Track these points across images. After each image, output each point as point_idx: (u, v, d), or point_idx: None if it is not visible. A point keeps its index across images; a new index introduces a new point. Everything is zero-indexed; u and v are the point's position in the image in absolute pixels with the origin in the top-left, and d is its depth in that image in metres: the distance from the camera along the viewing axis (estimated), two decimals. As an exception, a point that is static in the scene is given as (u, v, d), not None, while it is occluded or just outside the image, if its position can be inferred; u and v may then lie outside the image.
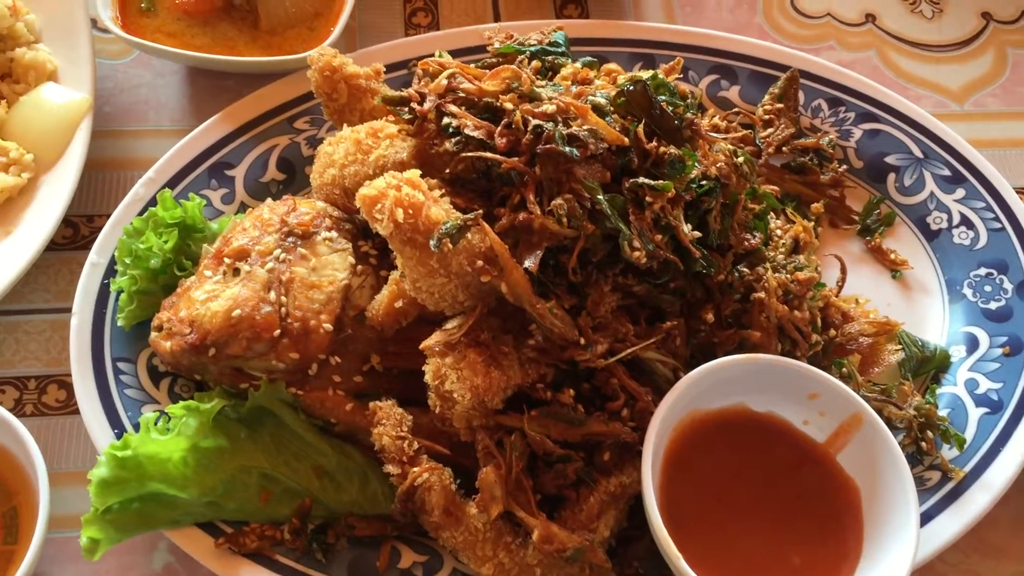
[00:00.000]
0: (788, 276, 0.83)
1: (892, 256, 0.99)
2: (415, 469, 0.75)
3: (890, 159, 1.02)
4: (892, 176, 1.01)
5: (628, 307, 0.82)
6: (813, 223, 0.99)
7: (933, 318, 0.96)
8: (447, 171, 0.78)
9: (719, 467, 0.81)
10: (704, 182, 0.82)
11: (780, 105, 1.03)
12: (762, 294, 0.82)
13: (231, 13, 1.03)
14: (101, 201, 0.98)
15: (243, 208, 0.95)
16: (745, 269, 0.84)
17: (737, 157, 0.84)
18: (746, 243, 0.85)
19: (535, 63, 0.88)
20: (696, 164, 0.81)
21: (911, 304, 0.97)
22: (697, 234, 0.79)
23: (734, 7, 1.17)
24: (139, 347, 0.86)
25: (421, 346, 0.77)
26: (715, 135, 0.86)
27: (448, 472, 0.77)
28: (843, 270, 0.97)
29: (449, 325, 0.78)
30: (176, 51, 1.00)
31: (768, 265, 0.84)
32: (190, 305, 0.80)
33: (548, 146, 0.75)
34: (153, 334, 0.82)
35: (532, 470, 0.78)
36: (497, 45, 0.90)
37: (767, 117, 1.02)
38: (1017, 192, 1.04)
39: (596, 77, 0.84)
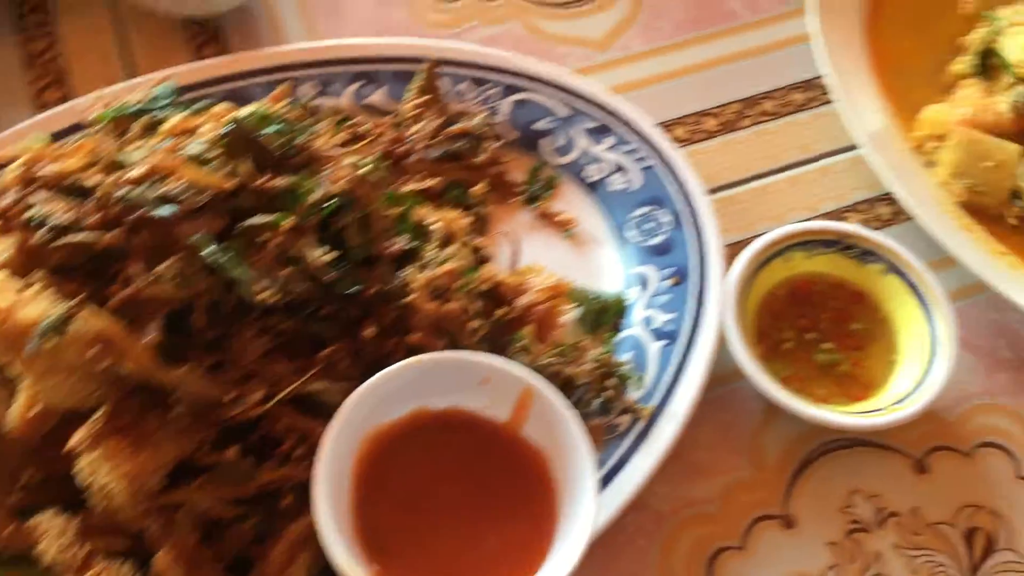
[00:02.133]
0: (432, 273, 0.84)
1: (559, 217, 1.03)
2: (88, 575, 0.74)
3: (540, 124, 1.04)
4: (546, 140, 1.04)
5: (285, 345, 0.83)
6: (479, 205, 1.03)
7: (609, 267, 1.00)
8: (51, 261, 0.75)
9: (411, 476, 0.82)
10: (330, 202, 0.83)
11: (425, 98, 1.05)
12: (413, 296, 0.84)
13: None
14: None
15: None
16: (398, 275, 0.86)
17: (361, 168, 0.85)
18: (393, 248, 0.87)
19: (137, 123, 0.87)
20: (315, 188, 0.82)
21: (586, 259, 1.00)
22: (328, 257, 0.80)
23: (376, 6, 1.17)
24: None
25: (67, 447, 0.75)
26: (340, 150, 0.87)
27: (128, 565, 0.75)
28: (514, 245, 1.00)
29: (94, 417, 0.76)
30: None
31: (416, 265, 0.86)
32: None
33: (138, 213, 0.73)
34: None
35: (212, 537, 0.77)
36: (96, 113, 0.88)
37: (413, 113, 1.04)
38: (671, 123, 1.11)
39: (201, 124, 0.83)
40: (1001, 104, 1.04)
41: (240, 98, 1.00)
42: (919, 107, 1.09)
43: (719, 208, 1.05)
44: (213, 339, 0.76)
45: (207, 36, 1.12)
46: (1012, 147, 1.01)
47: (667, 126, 1.11)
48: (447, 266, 0.84)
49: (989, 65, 1.07)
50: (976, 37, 1.09)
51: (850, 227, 0.98)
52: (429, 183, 1.00)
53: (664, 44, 1.17)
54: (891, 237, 1.00)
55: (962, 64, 1.10)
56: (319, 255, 0.78)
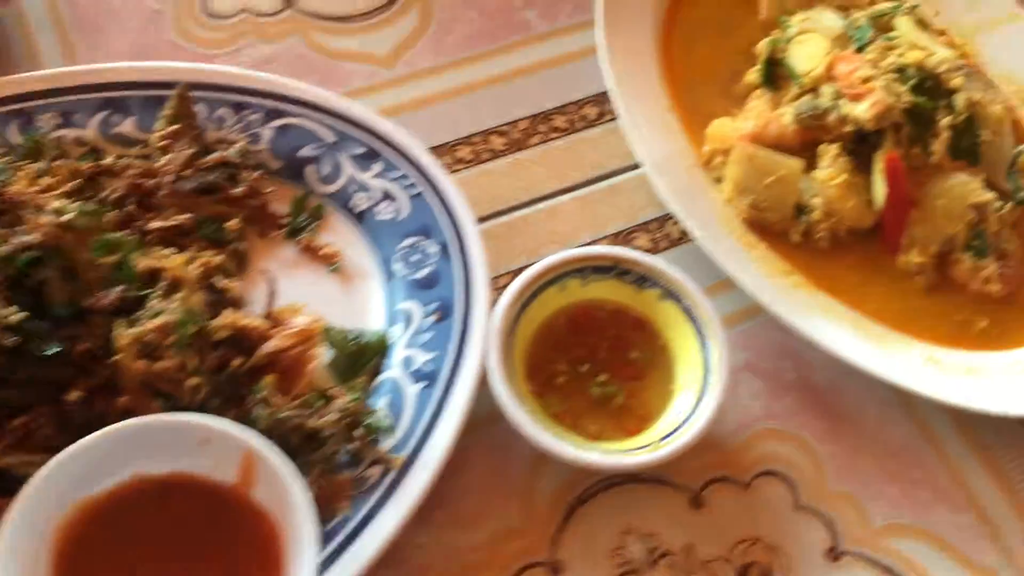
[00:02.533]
0: (140, 329, 0.78)
1: (323, 251, 0.96)
2: None
3: (305, 151, 0.98)
4: (311, 168, 0.98)
5: (-21, 414, 0.76)
6: (234, 242, 0.96)
7: (375, 304, 0.94)
8: None
9: (127, 549, 0.75)
10: (27, 254, 0.76)
11: (176, 127, 0.97)
12: (119, 355, 0.77)
13: None
14: None
15: None
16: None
17: (65, 215, 0.78)
18: (106, 301, 0.80)
19: None
20: (7, 240, 0.75)
21: (352, 295, 0.94)
22: (19, 316, 0.73)
23: (141, 27, 1.09)
24: None
25: None
26: (44, 195, 0.80)
27: None
28: (271, 284, 0.94)
29: None
30: None
31: (121, 321, 0.79)
32: None
33: None
34: None
35: None
36: None
37: (162, 143, 0.97)
38: (457, 144, 1.06)
39: None
40: (786, 116, 1.00)
41: (-29, 133, 0.93)
42: (711, 119, 1.05)
43: (503, 233, 1.01)
44: None
45: (-50, 63, 1.05)
46: (793, 162, 0.98)
47: (453, 146, 1.05)
48: (158, 320, 0.77)
49: (776, 75, 1.04)
50: (764, 45, 1.05)
51: (623, 251, 0.93)
52: (179, 219, 0.93)
53: (454, 59, 1.11)
54: (681, 257, 0.97)
55: (753, 75, 1.07)
56: (2, 316, 0.72)
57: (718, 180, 1.01)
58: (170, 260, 0.83)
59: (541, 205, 1.03)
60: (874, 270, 0.98)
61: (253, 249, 0.95)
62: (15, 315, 0.72)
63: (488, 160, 1.05)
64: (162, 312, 0.78)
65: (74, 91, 0.96)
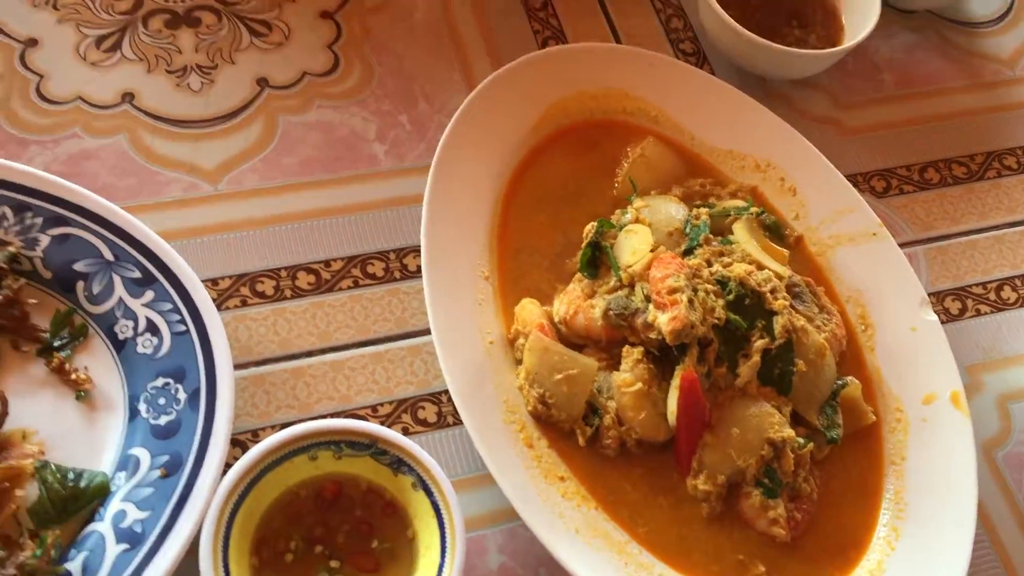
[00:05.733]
0: None
1: (76, 375, 0.90)
2: None
3: (80, 265, 0.92)
4: (82, 283, 0.92)
5: None
6: (-23, 352, 0.91)
7: (112, 441, 0.87)
8: None
9: None
10: None
11: (-55, 221, 0.93)
12: None
13: None
14: None
15: None
16: None
17: None
18: None
19: None
20: None
21: (93, 428, 0.88)
22: None
23: (-36, 101, 1.06)
24: None
25: None
26: None
27: None
28: (2, 404, 0.87)
29: None
30: None
31: None
32: None
33: None
34: None
35: None
36: None
37: (-77, 238, 0.92)
38: (263, 274, 1.00)
39: None
40: (596, 308, 0.94)
41: None
42: (531, 294, 0.99)
43: (281, 381, 0.94)
44: None
45: None
46: (586, 361, 0.91)
47: (256, 277, 0.99)
48: None
49: (599, 261, 0.99)
50: (589, 228, 1.00)
51: (381, 430, 0.86)
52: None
53: (284, 183, 1.05)
54: (461, 439, 0.91)
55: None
56: None
57: (519, 362, 0.96)
58: None
59: (331, 356, 0.97)
60: (658, 489, 0.91)
61: (8, 359, 0.90)
62: None
63: (290, 298, 0.99)
64: None
65: None
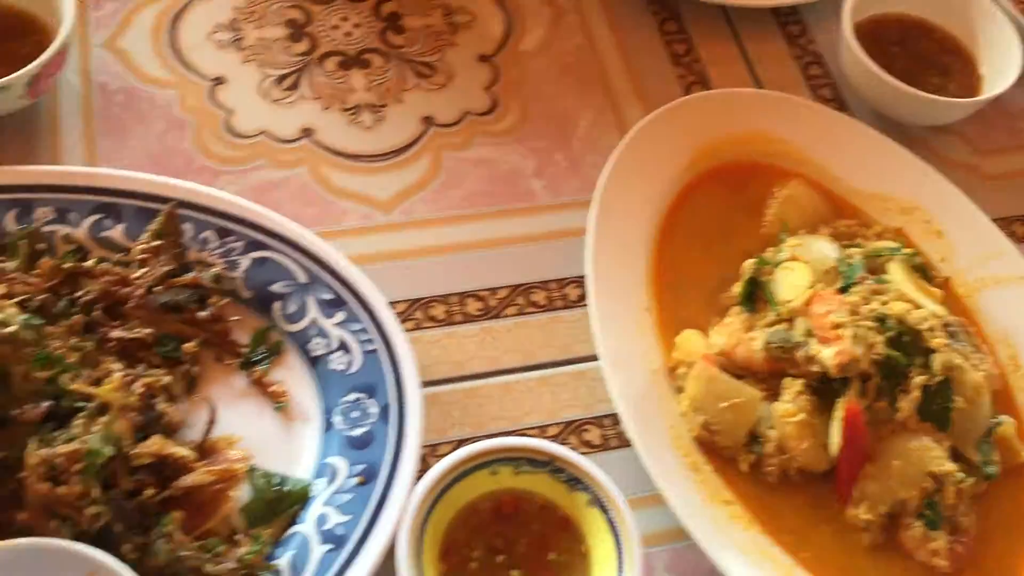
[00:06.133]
0: (50, 451, 0.79)
1: (273, 388, 0.97)
2: None
3: (276, 286, 1.00)
4: (278, 304, 0.99)
5: None
6: (188, 363, 0.98)
7: (309, 450, 0.94)
8: None
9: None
10: (-39, 363, 0.78)
11: (159, 242, 1.00)
12: (25, 474, 0.78)
13: None
14: None
15: None
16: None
17: (7, 327, 0.81)
18: (30, 414, 0.82)
19: None
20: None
21: (290, 437, 0.95)
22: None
23: (163, 133, 1.13)
24: None
25: None
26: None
27: None
28: (212, 413, 0.94)
29: None
30: None
31: (35, 440, 0.80)
32: None
33: None
34: None
35: None
36: None
37: (143, 256, 1.00)
38: (433, 300, 1.06)
39: None
40: (757, 341, 0.98)
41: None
42: (689, 326, 1.04)
43: (455, 400, 1.00)
44: None
45: (-17, 138, 1.11)
46: (750, 391, 0.95)
47: (427, 303, 1.06)
48: (69, 446, 0.78)
49: (757, 296, 1.03)
50: (748, 264, 1.04)
51: (560, 450, 0.91)
52: (141, 332, 0.96)
53: (451, 214, 1.12)
54: (625, 461, 0.95)
55: (738, 289, 1.06)
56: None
57: (680, 390, 1.01)
58: (107, 383, 0.85)
59: (501, 379, 1.03)
60: (820, 517, 0.94)
61: (206, 373, 0.97)
62: (-58, 417, 0.75)
63: (460, 323, 1.06)
64: (76, 437, 0.79)
65: (73, 190, 1.00)
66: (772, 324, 0.99)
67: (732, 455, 0.96)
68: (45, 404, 0.80)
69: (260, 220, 1.01)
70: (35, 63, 1.04)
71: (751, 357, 0.98)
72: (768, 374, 0.98)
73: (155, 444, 0.86)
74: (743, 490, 0.95)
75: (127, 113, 1.14)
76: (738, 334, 1.00)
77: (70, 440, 0.79)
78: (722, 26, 1.32)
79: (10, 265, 0.92)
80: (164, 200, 1.01)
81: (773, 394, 0.97)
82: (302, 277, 1.00)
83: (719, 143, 1.17)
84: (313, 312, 0.99)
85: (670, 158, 1.15)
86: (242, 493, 0.88)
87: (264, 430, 0.94)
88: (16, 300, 0.85)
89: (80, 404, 0.84)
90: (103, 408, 0.83)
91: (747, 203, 1.15)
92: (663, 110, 1.15)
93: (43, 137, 1.11)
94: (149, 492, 0.83)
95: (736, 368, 0.99)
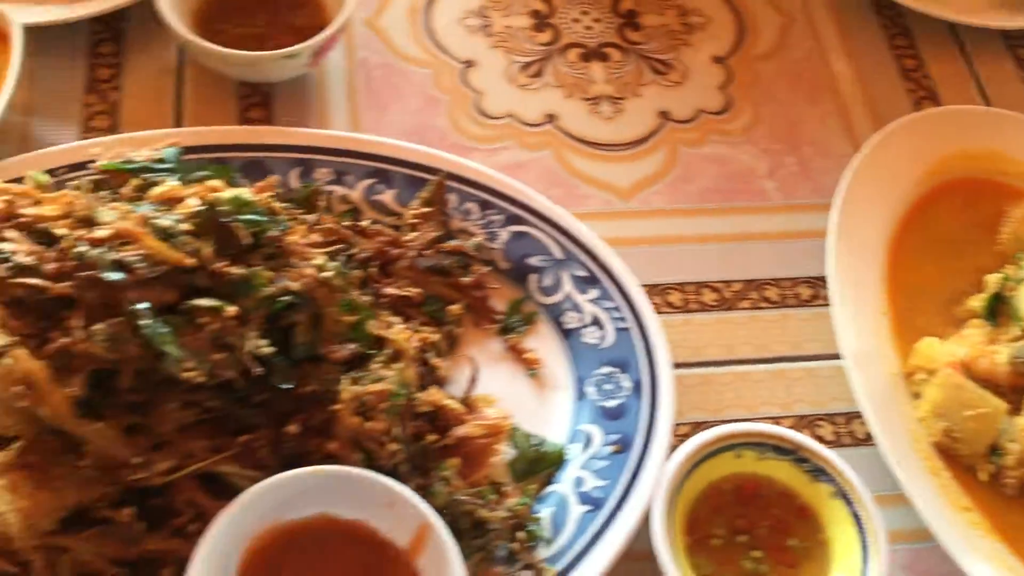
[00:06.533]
0: (362, 388, 0.85)
1: (527, 355, 1.02)
2: (-28, 591, 0.76)
3: (533, 260, 1.05)
4: (534, 276, 1.05)
5: (210, 421, 0.85)
6: (452, 324, 1.04)
7: (561, 416, 0.99)
8: (7, 295, 0.80)
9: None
10: (286, 297, 0.85)
11: (428, 209, 1.07)
12: (338, 406, 0.85)
13: None
14: None
15: None
16: (337, 379, 0.87)
17: (326, 271, 0.87)
18: (339, 354, 0.88)
19: (135, 180, 0.92)
20: (271, 282, 0.84)
21: (543, 402, 1.00)
22: (267, 350, 0.82)
23: (420, 108, 1.20)
24: None
25: (-23, 470, 0.78)
26: (310, 250, 0.90)
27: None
28: (474, 371, 1.01)
29: (6, 448, 0.79)
30: None
31: (348, 377, 0.87)
32: None
33: (88, 272, 0.77)
34: None
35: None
36: (103, 162, 0.93)
37: (413, 221, 1.06)
38: (671, 287, 1.11)
39: (189, 195, 0.87)
40: (1001, 355, 1.00)
41: (258, 168, 1.05)
42: (924, 334, 1.06)
43: (693, 384, 1.04)
44: (137, 403, 0.79)
45: (256, 100, 1.18)
46: (997, 402, 0.97)
47: (665, 289, 1.10)
48: (378, 386, 0.85)
49: (999, 311, 1.04)
50: (993, 279, 1.06)
51: (807, 440, 0.95)
52: (410, 291, 1.02)
53: (686, 206, 1.17)
54: (858, 459, 0.97)
55: (977, 302, 1.08)
56: (255, 346, 0.81)
57: (916, 395, 1.02)
58: (397, 332, 0.92)
59: (735, 368, 1.06)
60: (1061, 533, 0.97)
61: (465, 335, 1.03)
62: (266, 348, 0.82)
63: (695, 311, 1.09)
64: (383, 379, 0.86)
65: (350, 155, 1.08)
66: (1017, 339, 1.01)
67: (971, 463, 0.98)
68: (351, 346, 0.87)
69: (520, 196, 1.07)
70: (322, 34, 1.12)
71: (994, 370, 1.00)
72: (1010, 388, 0.99)
73: (433, 394, 0.92)
74: (982, 499, 0.96)
75: (386, 88, 1.22)
76: (980, 346, 1.02)
77: (377, 380, 0.86)
78: (951, 44, 1.34)
79: (311, 217, 1.00)
80: (431, 170, 1.08)
81: (1016, 408, 0.99)
82: (558, 253, 1.06)
83: (952, 159, 1.18)
84: (567, 287, 1.04)
85: (905, 170, 1.17)
86: (505, 450, 0.95)
87: (518, 393, 1.00)
88: (321, 251, 0.93)
89: (371, 351, 0.91)
90: (396, 356, 0.90)
91: (980, 219, 1.16)
92: (901, 123, 1.17)
93: (312, 104, 1.19)
94: (431, 437, 0.89)
95: (977, 380, 1.00)
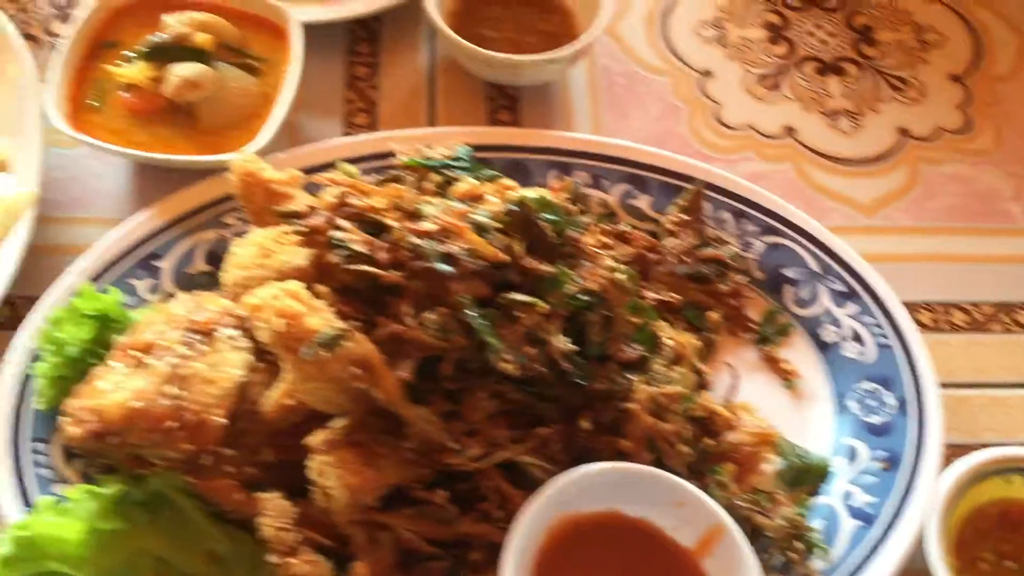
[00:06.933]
0: (657, 389, 0.87)
1: (784, 366, 1.03)
2: (293, 560, 0.80)
3: (788, 272, 1.06)
4: (790, 288, 1.06)
5: (509, 413, 0.87)
6: (711, 331, 1.05)
7: (820, 428, 1.00)
8: (337, 280, 0.84)
9: (590, 570, 0.85)
10: (584, 297, 0.88)
11: (686, 216, 1.08)
12: (633, 405, 0.87)
13: (173, 114, 1.09)
14: (46, 283, 1.02)
15: (169, 298, 1.00)
16: (626, 379, 0.89)
17: (618, 273, 0.89)
18: (626, 354, 0.90)
19: (435, 177, 0.95)
20: (574, 281, 0.87)
21: (800, 414, 1.01)
22: (571, 348, 0.84)
23: (660, 116, 1.22)
24: (55, 429, 0.91)
25: (304, 442, 0.82)
26: (600, 251, 0.92)
27: (328, 566, 0.81)
28: (735, 378, 1.02)
29: (333, 424, 0.84)
30: (119, 149, 1.07)
31: (641, 377, 0.89)
32: (95, 395, 0.85)
33: (421, 263, 0.81)
34: (62, 419, 0.88)
35: (405, 567, 0.83)
36: (404, 158, 0.97)
37: (672, 228, 1.08)
38: (918, 306, 1.10)
39: (489, 193, 0.90)
40: None
41: (519, 169, 1.08)
42: None
43: (947, 405, 1.02)
44: (452, 390, 0.83)
45: (504, 103, 1.21)
46: None
47: (912, 307, 1.09)
48: (673, 387, 0.87)
49: None
50: None
51: (1085, 471, 0.94)
52: (671, 297, 1.04)
53: (930, 225, 1.16)
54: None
55: None
56: (562, 343, 0.84)
57: None
58: (678, 335, 0.93)
59: (989, 391, 1.05)
60: None
61: (720, 343, 1.04)
62: (568, 346, 0.85)
63: (946, 331, 1.09)
64: (672, 381, 0.88)
65: (608, 160, 1.10)
66: None
67: None
68: (638, 348, 0.89)
69: (774, 208, 1.08)
70: (582, 40, 1.15)
71: None
72: None
73: (705, 399, 0.94)
74: None
75: (627, 94, 1.24)
76: None
77: (668, 383, 0.88)
78: None
79: (590, 219, 1.02)
80: (686, 178, 1.10)
81: None
82: (814, 266, 1.06)
83: None
84: (825, 300, 1.04)
85: None
86: (774, 459, 0.95)
87: (774, 403, 1.00)
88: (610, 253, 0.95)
89: (649, 355, 0.93)
90: (677, 358, 0.92)
91: None
92: None
93: (557, 108, 1.22)
94: (709, 442, 0.91)
95: None
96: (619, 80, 1.26)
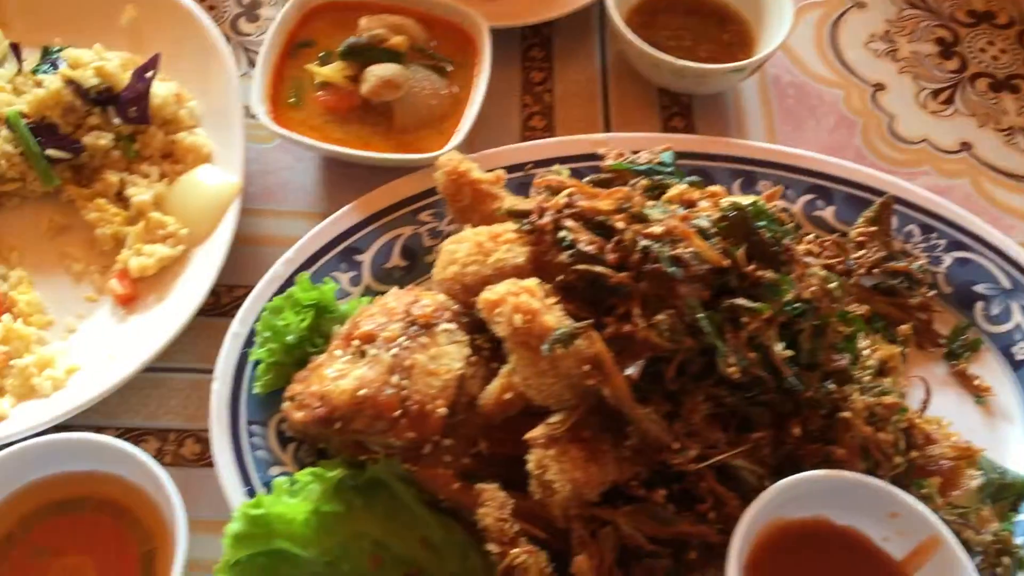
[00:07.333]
0: (874, 399, 0.87)
1: (976, 382, 1.03)
2: (514, 550, 0.82)
3: (979, 288, 1.06)
4: (980, 304, 1.05)
5: (720, 416, 0.88)
6: (900, 344, 1.05)
7: (1014, 446, 0.99)
8: (559, 279, 0.85)
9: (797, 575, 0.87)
10: (797, 304, 0.88)
11: (873, 228, 1.08)
12: (849, 414, 0.87)
13: (369, 113, 1.13)
14: (242, 273, 1.08)
15: (369, 290, 1.04)
16: (832, 387, 0.89)
17: (830, 282, 0.90)
18: (834, 363, 0.90)
19: (643, 181, 0.97)
20: (791, 288, 0.88)
21: (993, 431, 1.00)
22: (789, 353, 0.85)
23: (833, 128, 1.23)
24: (270, 413, 0.95)
25: (526, 437, 0.84)
26: (810, 260, 0.92)
27: (544, 555, 0.83)
28: (927, 393, 1.01)
29: (553, 419, 0.85)
30: (328, 146, 1.10)
31: (856, 386, 0.89)
32: (321, 381, 0.89)
33: (654, 266, 0.82)
34: (285, 404, 0.91)
35: (622, 563, 0.84)
36: (610, 161, 0.99)
37: (860, 239, 1.08)
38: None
39: (700, 199, 0.92)
40: None
41: (702, 176, 1.07)
42: None
43: None
44: (672, 392, 0.84)
45: (677, 110, 1.23)
46: None
47: (1103, 327, 1.09)
48: (889, 398, 0.87)
49: None
50: None
51: None
52: (859, 309, 1.04)
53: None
54: None
55: None
56: (781, 349, 0.85)
57: None
58: (884, 346, 0.94)
59: None
60: None
61: (909, 356, 1.04)
62: (786, 352, 0.85)
63: None
64: (888, 391, 0.88)
65: (791, 170, 1.11)
66: None
67: None
68: (848, 357, 0.90)
69: (963, 222, 1.08)
70: (766, 50, 1.16)
71: None
72: None
73: (909, 410, 0.94)
74: None
75: (799, 105, 1.25)
76: None
77: (883, 393, 0.88)
78: None
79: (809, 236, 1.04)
80: (871, 190, 1.10)
81: None
82: (1005, 282, 1.05)
83: None
84: (1018, 317, 1.04)
85: None
86: (976, 474, 0.95)
87: (966, 419, 1.00)
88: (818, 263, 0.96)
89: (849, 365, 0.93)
90: (884, 369, 0.92)
91: None
92: None
93: (730, 117, 1.23)
94: (914, 454, 0.91)
95: None
96: (791, 91, 1.26)
